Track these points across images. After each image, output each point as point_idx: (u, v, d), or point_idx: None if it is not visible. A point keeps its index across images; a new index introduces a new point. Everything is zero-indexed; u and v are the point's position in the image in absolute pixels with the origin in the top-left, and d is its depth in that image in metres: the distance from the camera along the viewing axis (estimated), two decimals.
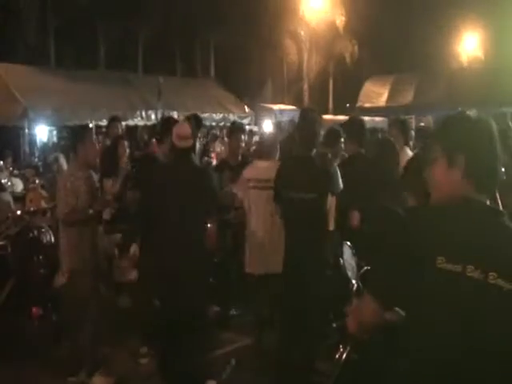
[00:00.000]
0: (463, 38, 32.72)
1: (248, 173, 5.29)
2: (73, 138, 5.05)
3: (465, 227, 1.97)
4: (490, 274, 1.86)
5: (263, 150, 5.46)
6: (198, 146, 4.87)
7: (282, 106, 23.87)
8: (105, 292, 5.28)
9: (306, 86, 32.34)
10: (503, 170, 2.31)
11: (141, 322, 5.09)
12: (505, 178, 2.41)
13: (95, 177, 5.02)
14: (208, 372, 4.21)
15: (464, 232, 1.96)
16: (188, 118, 5.53)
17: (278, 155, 5.31)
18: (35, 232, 5.73)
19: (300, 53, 32.63)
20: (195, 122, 5.67)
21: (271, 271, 4.83)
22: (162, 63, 26.75)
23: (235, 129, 6.62)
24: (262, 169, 5.19)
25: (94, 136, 5.32)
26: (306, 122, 4.72)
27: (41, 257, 5.57)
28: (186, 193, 4.43)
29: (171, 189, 4.48)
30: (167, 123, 5.35)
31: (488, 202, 2.04)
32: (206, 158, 10.25)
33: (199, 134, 5.18)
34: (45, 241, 5.71)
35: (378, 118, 18.18)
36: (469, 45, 32.76)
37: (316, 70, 32.95)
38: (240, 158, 6.30)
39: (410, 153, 6.22)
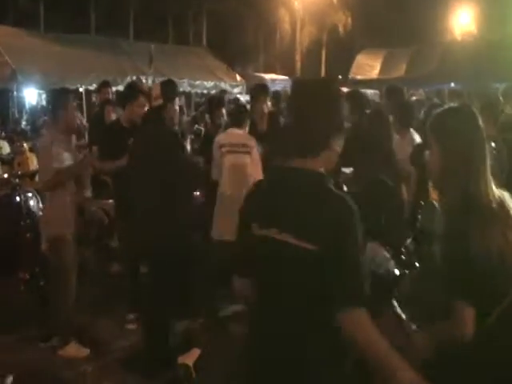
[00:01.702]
0: (457, 12, 32.47)
1: (221, 139, 5.30)
2: (53, 101, 4.91)
3: (274, 193, 2.13)
4: (287, 234, 2.01)
5: (233, 118, 5.49)
6: (177, 109, 4.82)
7: (274, 76, 23.68)
8: (94, 258, 5.28)
9: (298, 56, 32.09)
10: (493, 144, 2.34)
11: (128, 288, 5.10)
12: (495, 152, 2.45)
13: (74, 141, 5.00)
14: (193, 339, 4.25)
15: (272, 198, 2.12)
16: (162, 83, 5.51)
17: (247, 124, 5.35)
18: (22, 196, 5.69)
19: (293, 22, 32.30)
20: (169, 87, 5.62)
21: None
22: (153, 30, 26.40)
23: (219, 100, 6.68)
24: (236, 134, 5.25)
25: (84, 100, 5.32)
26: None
27: (28, 221, 5.54)
28: (152, 154, 4.37)
29: (139, 151, 4.46)
30: (133, 89, 5.35)
31: None
32: (196, 127, 10.19)
33: (177, 101, 5.14)
34: (32, 205, 5.68)
35: (370, 91, 18.08)
36: (462, 19, 32.55)
37: (309, 40, 32.66)
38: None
39: (415, 135, 6.17)
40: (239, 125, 5.30)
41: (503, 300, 2.24)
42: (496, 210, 2.22)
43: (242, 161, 5.06)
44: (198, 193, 5.91)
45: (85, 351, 4.60)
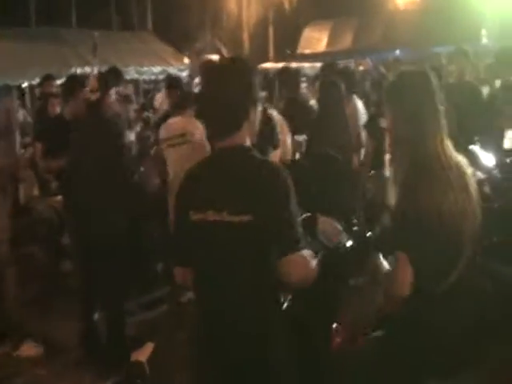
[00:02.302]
0: None
1: (162, 133, 5.18)
2: None
3: (207, 176, 2.24)
4: (223, 213, 2.12)
5: (175, 105, 5.37)
6: (113, 101, 4.71)
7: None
8: (44, 257, 5.18)
9: (245, 35, 31.87)
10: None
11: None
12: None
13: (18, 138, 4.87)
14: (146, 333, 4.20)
15: (205, 181, 2.22)
16: (105, 72, 5.40)
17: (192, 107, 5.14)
18: None
19: (239, 1, 31.99)
20: (113, 75, 5.50)
21: None
22: (96, 17, 25.74)
23: (172, 82, 6.50)
24: (173, 125, 5.08)
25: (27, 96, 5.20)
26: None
27: None
28: (92, 146, 4.34)
29: (78, 144, 4.43)
30: (73, 81, 5.20)
31: None
32: (145, 114, 10.04)
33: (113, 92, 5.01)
34: None
35: (318, 64, 18.10)
36: None
37: (255, 18, 32.43)
38: None
39: (358, 102, 6.19)
40: (181, 112, 5.17)
41: (449, 270, 2.27)
42: (446, 172, 2.24)
43: (182, 153, 4.91)
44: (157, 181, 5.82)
45: (40, 350, 4.54)
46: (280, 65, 19.41)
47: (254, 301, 2.20)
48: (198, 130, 4.96)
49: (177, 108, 5.22)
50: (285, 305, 2.64)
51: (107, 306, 4.51)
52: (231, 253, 2.18)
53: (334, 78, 5.76)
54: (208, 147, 4.85)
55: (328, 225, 2.91)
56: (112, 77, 5.12)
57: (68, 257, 5.67)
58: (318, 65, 17.86)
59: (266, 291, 2.21)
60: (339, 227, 2.93)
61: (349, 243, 2.86)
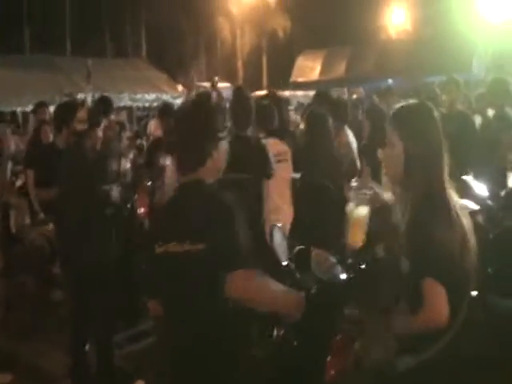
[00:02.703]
0: (392, 11, 33.20)
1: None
2: None
3: (171, 210, 2.40)
4: (185, 244, 2.25)
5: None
6: (100, 135, 4.68)
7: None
8: (36, 286, 5.11)
9: (239, 63, 32.17)
10: None
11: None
12: None
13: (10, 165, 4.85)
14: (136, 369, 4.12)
15: (169, 214, 2.38)
16: (96, 102, 5.40)
17: None
18: None
19: (233, 30, 32.37)
20: (102, 104, 5.50)
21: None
22: (90, 44, 25.95)
23: (165, 110, 6.43)
24: None
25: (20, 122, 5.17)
26: (240, 100, 4.64)
27: None
28: (75, 178, 4.31)
29: (63, 175, 4.41)
30: (65, 109, 5.14)
31: None
32: (139, 141, 10.05)
33: (113, 117, 4.99)
34: None
35: (311, 93, 18.26)
36: (397, 17, 33.27)
37: (249, 47, 32.79)
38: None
39: (349, 133, 6.18)
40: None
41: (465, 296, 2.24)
42: (454, 206, 2.27)
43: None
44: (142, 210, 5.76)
45: (8, 377, 4.48)
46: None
47: (213, 328, 2.28)
48: None
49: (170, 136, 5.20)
50: (274, 334, 2.62)
51: (97, 338, 4.43)
52: (189, 282, 2.29)
53: (324, 108, 5.74)
54: None
55: (322, 257, 2.88)
56: (102, 106, 5.11)
57: (59, 286, 5.60)
58: (312, 93, 18.12)
59: (222, 316, 2.29)
60: (333, 260, 2.90)
61: (343, 276, 2.82)
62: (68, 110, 4.99)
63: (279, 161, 4.76)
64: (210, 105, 2.59)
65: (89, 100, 15.77)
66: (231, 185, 2.70)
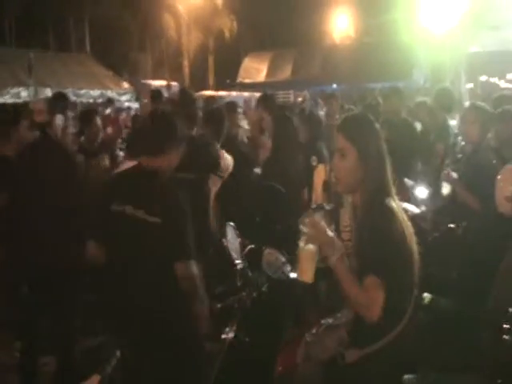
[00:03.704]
0: (335, 17, 33.71)
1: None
2: None
3: (130, 181, 2.93)
4: (139, 210, 2.75)
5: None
6: (59, 125, 4.52)
7: (163, 83, 23.47)
8: None
9: (185, 62, 32.00)
10: None
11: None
12: None
13: None
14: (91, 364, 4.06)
15: (129, 184, 2.92)
16: (53, 97, 5.34)
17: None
18: None
19: (179, 28, 32.16)
20: (61, 100, 5.43)
21: None
22: (33, 37, 25.27)
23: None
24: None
25: None
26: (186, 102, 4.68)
27: None
28: (40, 175, 4.07)
29: (27, 171, 4.13)
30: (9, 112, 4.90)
31: None
32: (82, 138, 9.89)
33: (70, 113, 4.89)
34: None
35: (257, 94, 18.40)
36: (341, 23, 33.81)
37: (195, 46, 32.66)
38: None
39: None
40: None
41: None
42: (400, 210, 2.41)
43: None
44: None
45: None
46: (221, 93, 19.69)
47: (154, 281, 2.77)
48: None
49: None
50: (230, 334, 2.70)
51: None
52: (140, 243, 2.78)
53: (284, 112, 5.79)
54: None
55: (272, 256, 2.99)
56: (60, 101, 5.01)
57: None
58: (258, 94, 18.26)
59: (163, 274, 2.75)
60: (283, 259, 3.00)
61: (292, 275, 2.93)
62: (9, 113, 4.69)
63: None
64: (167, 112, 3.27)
65: (30, 93, 15.48)
66: (179, 183, 2.97)
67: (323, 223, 2.34)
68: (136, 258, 2.78)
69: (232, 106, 6.66)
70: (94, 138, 5.90)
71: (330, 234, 2.33)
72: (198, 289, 2.73)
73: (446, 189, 4.66)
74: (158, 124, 3.02)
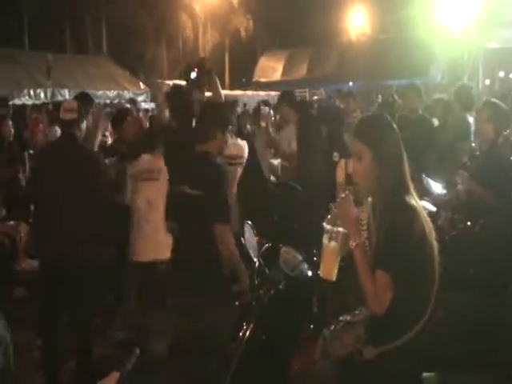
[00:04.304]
0: (352, 14, 33.67)
1: (132, 168, 5.06)
2: None
3: (186, 168, 3.78)
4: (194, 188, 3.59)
5: (144, 140, 5.29)
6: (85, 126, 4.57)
7: (179, 82, 23.51)
8: None
9: None
10: None
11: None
12: None
13: None
14: (110, 362, 4.11)
15: (184, 169, 3.81)
16: (76, 97, 5.41)
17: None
18: None
19: (195, 28, 32.26)
20: (82, 99, 5.52)
21: (158, 258, 4.77)
22: (50, 39, 25.50)
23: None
24: (145, 161, 5.02)
25: None
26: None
27: None
28: (66, 174, 4.14)
29: (51, 170, 4.23)
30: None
31: None
32: (101, 137, 9.97)
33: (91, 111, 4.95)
34: None
35: (273, 93, 18.43)
36: (357, 20, 33.77)
37: (212, 45, 32.76)
38: None
39: None
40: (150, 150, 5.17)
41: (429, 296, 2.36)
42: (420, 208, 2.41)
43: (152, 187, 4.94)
44: None
45: None
46: (237, 92, 19.73)
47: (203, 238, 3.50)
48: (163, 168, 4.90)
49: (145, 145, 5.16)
50: (248, 332, 2.71)
51: (78, 333, 4.38)
52: (191, 211, 3.55)
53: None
54: None
55: (289, 254, 3.01)
56: (86, 101, 5.07)
57: (22, 283, 5.55)
58: (274, 93, 18.28)
59: (207, 234, 3.45)
60: (300, 257, 3.02)
61: (309, 273, 2.95)
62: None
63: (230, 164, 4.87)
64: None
65: (48, 95, 15.61)
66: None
67: (353, 205, 2.37)
68: (197, 224, 3.48)
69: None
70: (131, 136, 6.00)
71: (356, 216, 2.37)
72: (234, 252, 3.35)
73: (462, 187, 4.63)
74: (208, 113, 3.78)
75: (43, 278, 4.38)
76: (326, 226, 2.39)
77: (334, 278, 2.42)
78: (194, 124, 4.39)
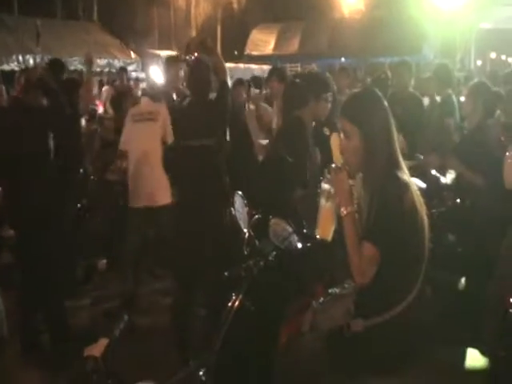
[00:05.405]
0: None
1: (132, 109, 5.38)
2: None
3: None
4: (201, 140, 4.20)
5: (150, 92, 5.67)
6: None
7: (169, 53, 23.28)
8: None
9: (193, 33, 31.71)
10: None
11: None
12: None
13: None
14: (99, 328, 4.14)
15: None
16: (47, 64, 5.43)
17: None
18: None
19: None
20: (54, 67, 5.52)
21: (156, 204, 4.94)
22: (40, 4, 25.00)
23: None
24: (145, 104, 5.35)
25: None
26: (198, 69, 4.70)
27: None
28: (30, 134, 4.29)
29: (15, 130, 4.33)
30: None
31: None
32: (91, 106, 9.87)
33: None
34: None
35: (265, 66, 18.31)
36: None
37: (204, 17, 32.35)
38: None
39: None
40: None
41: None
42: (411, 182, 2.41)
43: (149, 128, 5.09)
44: None
45: None
46: (229, 65, 19.56)
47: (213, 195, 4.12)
48: (163, 113, 5.10)
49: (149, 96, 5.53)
50: (236, 303, 2.73)
51: (49, 302, 4.42)
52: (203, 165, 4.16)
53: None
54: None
55: (279, 226, 3.00)
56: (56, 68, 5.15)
57: (8, 249, 5.53)
58: (266, 67, 18.16)
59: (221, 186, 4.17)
60: (290, 229, 3.02)
61: (299, 245, 2.95)
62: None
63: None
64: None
65: (37, 60, 15.39)
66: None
67: (346, 176, 2.37)
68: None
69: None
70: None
71: (350, 185, 2.37)
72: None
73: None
74: (300, 83, 4.06)
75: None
76: (324, 186, 2.39)
77: (330, 238, 2.43)
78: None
